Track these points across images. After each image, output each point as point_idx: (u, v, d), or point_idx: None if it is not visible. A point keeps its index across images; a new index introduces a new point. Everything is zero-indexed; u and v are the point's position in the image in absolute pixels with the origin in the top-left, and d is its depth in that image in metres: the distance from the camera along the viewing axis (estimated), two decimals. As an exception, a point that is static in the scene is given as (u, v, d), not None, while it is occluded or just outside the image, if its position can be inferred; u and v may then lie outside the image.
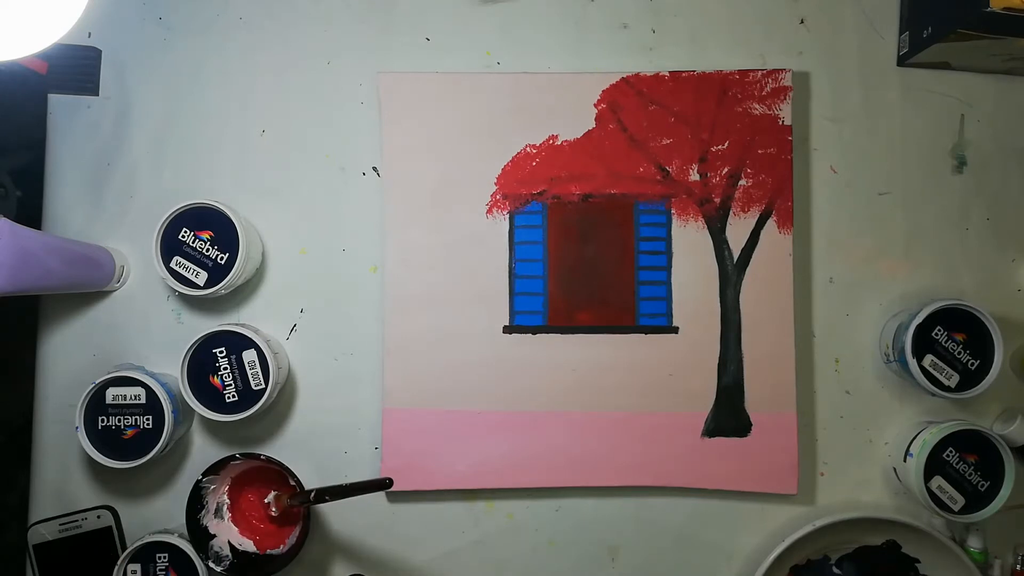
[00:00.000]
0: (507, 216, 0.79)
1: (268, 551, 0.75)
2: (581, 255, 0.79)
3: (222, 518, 0.75)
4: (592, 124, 0.80)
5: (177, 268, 0.75)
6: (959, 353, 0.75)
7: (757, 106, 0.79)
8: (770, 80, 0.79)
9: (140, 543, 0.74)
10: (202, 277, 0.75)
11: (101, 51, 0.81)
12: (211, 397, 0.74)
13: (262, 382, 0.74)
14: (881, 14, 0.82)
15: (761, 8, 0.82)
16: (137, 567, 0.74)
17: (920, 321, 0.74)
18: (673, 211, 0.79)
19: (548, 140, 0.80)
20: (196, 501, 0.73)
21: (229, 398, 0.74)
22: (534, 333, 0.79)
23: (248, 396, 0.74)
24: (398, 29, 0.82)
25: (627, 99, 0.80)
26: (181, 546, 0.74)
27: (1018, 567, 0.78)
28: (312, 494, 0.70)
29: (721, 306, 0.79)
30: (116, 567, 0.74)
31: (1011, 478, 0.74)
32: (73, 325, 0.80)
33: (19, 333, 0.81)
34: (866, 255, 0.81)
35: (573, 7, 0.82)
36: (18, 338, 0.81)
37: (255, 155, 0.81)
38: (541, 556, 0.80)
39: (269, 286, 0.81)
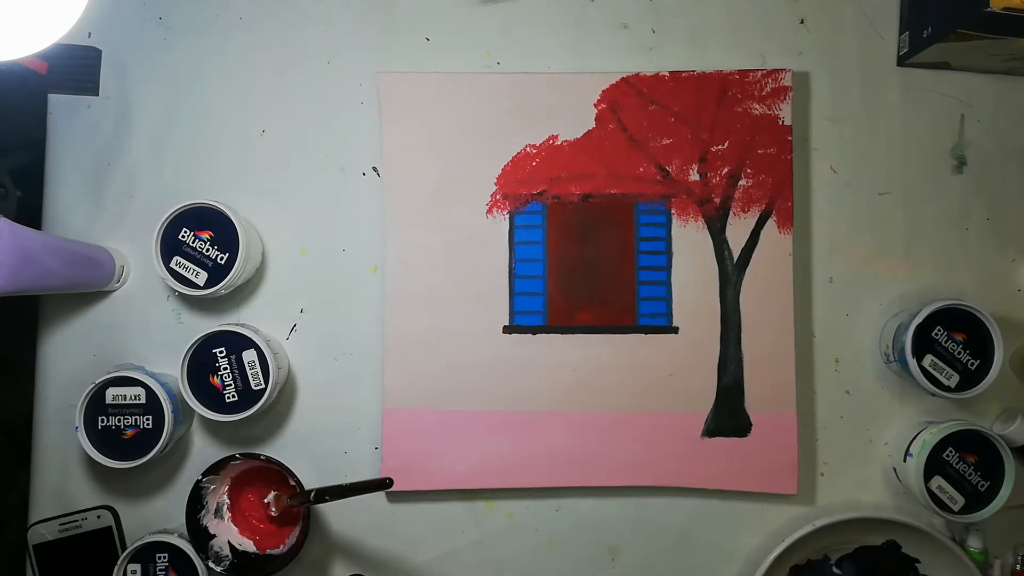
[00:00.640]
0: (507, 216, 0.79)
1: (268, 551, 0.75)
2: (581, 255, 0.79)
3: (222, 518, 0.75)
4: (592, 124, 0.80)
5: (177, 268, 0.75)
6: (959, 353, 0.75)
7: (757, 106, 0.79)
8: (770, 80, 0.79)
9: (140, 543, 0.74)
10: (202, 277, 0.75)
11: (101, 51, 0.81)
12: (211, 397, 0.74)
13: (262, 382, 0.74)
14: (881, 14, 0.82)
15: (761, 8, 0.82)
16: (137, 567, 0.74)
17: (920, 321, 0.74)
18: (673, 211, 0.79)
19: (548, 140, 0.80)
20: (196, 501, 0.73)
21: (229, 398, 0.74)
22: (534, 333, 0.79)
23: (248, 396, 0.74)
24: (398, 29, 0.82)
25: (627, 99, 0.80)
26: (181, 546, 0.74)
27: (1018, 567, 0.78)
28: (312, 494, 0.70)
29: (721, 306, 0.79)
30: (116, 567, 0.74)
31: (1011, 478, 0.74)
32: (73, 325, 0.80)
33: (19, 333, 0.81)
34: (866, 255, 0.81)
35: (573, 7, 0.82)
36: (18, 338, 0.81)
37: (255, 155, 0.81)
38: (541, 556, 0.80)
39: (269, 286, 0.81)
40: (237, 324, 0.75)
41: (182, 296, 0.77)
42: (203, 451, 0.80)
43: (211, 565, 0.73)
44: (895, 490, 0.80)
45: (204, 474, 0.73)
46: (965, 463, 0.75)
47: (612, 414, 0.78)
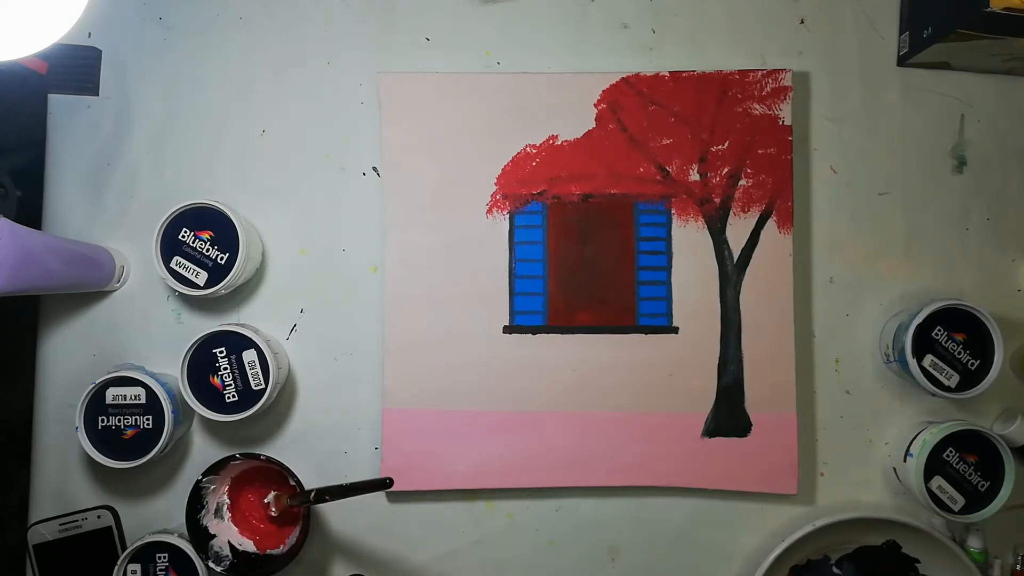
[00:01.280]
0: (507, 216, 0.79)
1: (268, 551, 0.75)
2: (581, 255, 0.79)
3: (222, 518, 0.75)
4: (592, 124, 0.80)
5: (177, 268, 0.75)
6: (959, 353, 0.75)
7: (757, 106, 0.79)
8: (770, 80, 0.79)
9: (140, 543, 0.74)
10: (202, 277, 0.75)
11: (101, 51, 0.81)
12: (211, 397, 0.74)
13: (262, 382, 0.74)
14: (881, 14, 0.82)
15: (761, 8, 0.82)
16: (137, 567, 0.74)
17: (920, 321, 0.74)
18: (673, 211, 0.79)
19: (548, 140, 0.80)
20: (196, 501, 0.73)
21: (229, 398, 0.74)
22: (534, 333, 0.79)
23: (248, 396, 0.74)
24: (398, 29, 0.82)
25: (627, 99, 0.80)
26: (181, 546, 0.74)
27: (1018, 567, 0.78)
28: (312, 494, 0.70)
29: (721, 306, 0.79)
30: (116, 567, 0.74)
31: (1011, 478, 0.74)
32: (73, 325, 0.80)
33: (19, 333, 0.81)
34: (866, 255, 0.81)
35: (573, 7, 0.82)
36: (18, 338, 0.81)
37: (255, 155, 0.81)
38: (541, 556, 0.80)
39: (269, 286, 0.81)
40: (237, 324, 0.75)
41: (182, 296, 0.77)
42: (203, 451, 0.80)
43: (211, 565, 0.73)
44: (895, 490, 0.80)
45: (204, 474, 0.73)
46: (965, 463, 0.75)
47: (612, 414, 0.78)
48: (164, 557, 0.74)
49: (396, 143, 0.80)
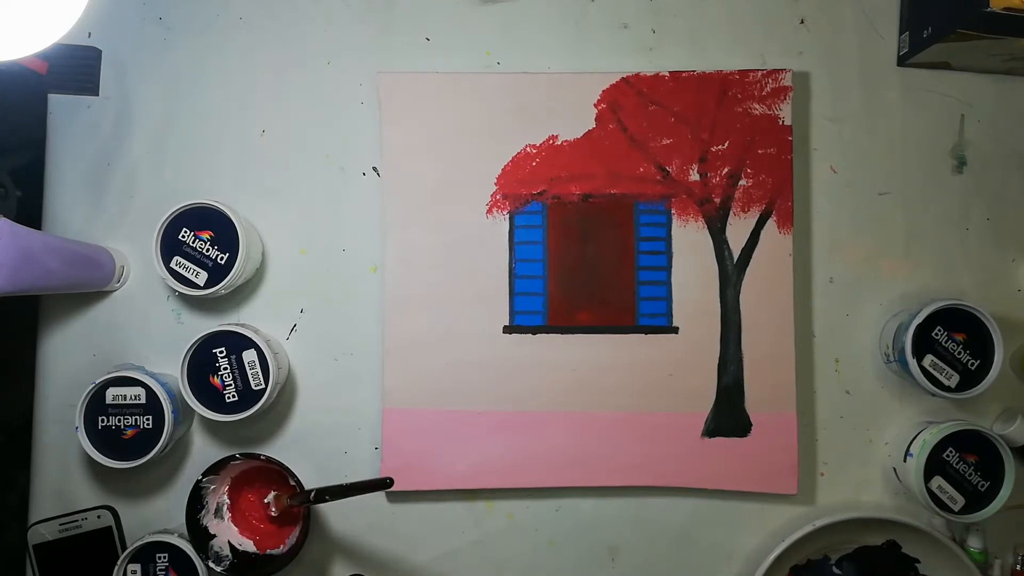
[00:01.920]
0: (507, 216, 0.79)
1: (268, 551, 0.75)
2: (581, 255, 0.79)
3: (222, 518, 0.75)
4: (592, 124, 0.80)
5: (177, 268, 0.75)
6: (959, 353, 0.75)
7: (757, 106, 0.79)
8: (770, 80, 0.79)
9: (140, 543, 0.74)
10: (202, 277, 0.75)
11: (101, 51, 0.81)
12: (211, 397, 0.74)
13: (262, 382, 0.74)
14: (881, 14, 0.82)
15: (761, 8, 0.82)
16: (137, 567, 0.74)
17: (920, 321, 0.74)
18: (673, 211, 0.79)
19: (548, 140, 0.80)
20: (196, 501, 0.73)
21: (229, 398, 0.74)
22: (534, 333, 0.79)
23: (248, 396, 0.74)
24: (398, 29, 0.82)
25: (627, 99, 0.80)
26: (181, 546, 0.74)
27: (1018, 567, 0.78)
28: (312, 494, 0.70)
29: (721, 306, 0.79)
30: (116, 567, 0.74)
31: (1011, 478, 0.74)
32: (73, 325, 0.80)
33: (19, 333, 0.81)
34: (866, 255, 0.81)
35: (573, 7, 0.82)
36: (18, 338, 0.81)
37: (255, 155, 0.81)
38: (541, 556, 0.80)
39: (269, 286, 0.81)
40: (237, 324, 0.75)
41: (182, 296, 0.77)
42: (203, 451, 0.80)
43: (211, 565, 0.73)
44: (895, 490, 0.80)
45: (204, 474, 0.73)
46: (965, 463, 0.75)
47: (612, 414, 0.78)
48: (164, 557, 0.74)
49: (396, 143, 0.80)
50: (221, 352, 0.74)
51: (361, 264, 0.81)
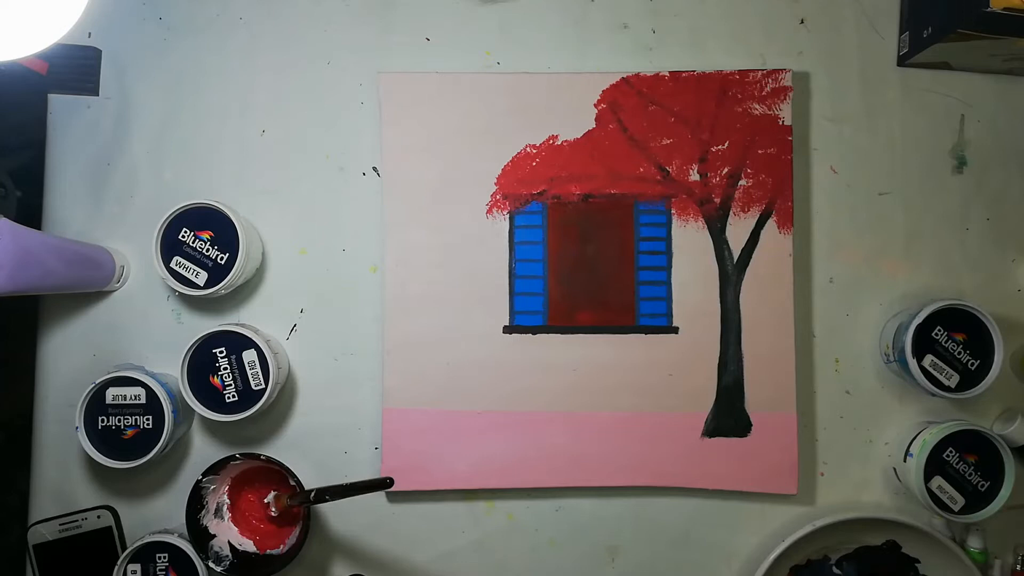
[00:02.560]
0: (507, 216, 0.79)
1: (268, 551, 0.75)
2: (581, 255, 0.79)
3: (222, 518, 0.75)
4: (592, 124, 0.80)
5: (177, 268, 0.75)
6: (959, 353, 0.75)
7: (757, 106, 0.79)
8: (770, 80, 0.79)
9: (140, 543, 0.74)
10: (202, 277, 0.75)
11: (101, 51, 0.81)
12: (211, 397, 0.74)
13: (262, 382, 0.74)
14: (881, 14, 0.82)
15: (761, 8, 0.82)
16: (137, 567, 0.74)
17: (920, 321, 0.74)
18: (673, 211, 0.79)
19: (548, 140, 0.80)
20: (196, 501, 0.73)
21: (229, 398, 0.74)
22: (534, 333, 0.79)
23: (248, 396, 0.74)
24: (398, 29, 0.82)
25: (627, 99, 0.80)
26: (181, 546, 0.74)
27: (1018, 567, 0.78)
28: (312, 494, 0.70)
29: (721, 306, 0.79)
30: (116, 567, 0.74)
31: (1011, 478, 0.74)
32: (73, 325, 0.80)
33: (19, 333, 0.81)
34: (866, 255, 0.81)
35: (573, 7, 0.82)
36: (18, 338, 0.81)
37: (255, 155, 0.81)
38: (541, 556, 0.80)
39: (269, 286, 0.81)
40: (237, 324, 0.75)
41: (182, 296, 0.77)
42: (203, 451, 0.80)
43: (211, 565, 0.73)
44: (895, 490, 0.80)
45: (204, 474, 0.73)
46: (965, 463, 0.75)
47: (612, 414, 0.78)
48: (164, 557, 0.74)
49: (396, 143, 0.80)
50: (221, 352, 0.74)
51: (361, 264, 0.81)
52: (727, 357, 0.79)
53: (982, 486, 0.75)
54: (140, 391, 0.73)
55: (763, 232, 0.79)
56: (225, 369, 0.74)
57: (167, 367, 0.79)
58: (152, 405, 0.73)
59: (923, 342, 0.75)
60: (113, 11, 0.81)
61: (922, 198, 0.81)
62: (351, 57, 0.82)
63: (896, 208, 0.81)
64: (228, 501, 0.76)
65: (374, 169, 0.81)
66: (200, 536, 0.73)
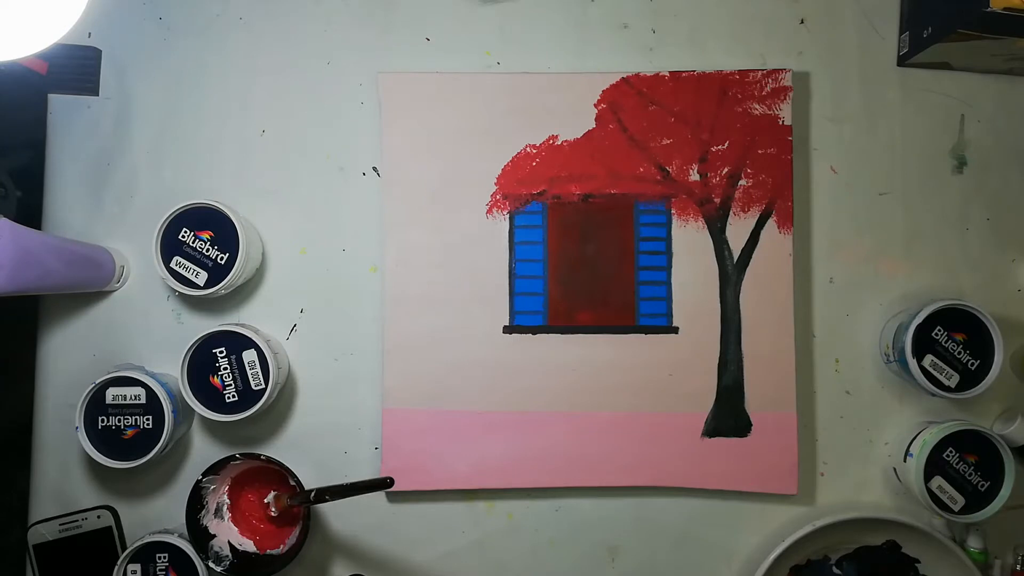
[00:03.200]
0: (507, 216, 0.79)
1: (268, 551, 0.75)
2: (581, 255, 0.79)
3: (222, 518, 0.75)
4: (592, 124, 0.80)
5: (177, 268, 0.75)
6: (959, 353, 0.75)
7: (757, 106, 0.79)
8: (770, 80, 0.79)
9: (140, 543, 0.74)
10: (202, 277, 0.75)
11: (101, 51, 0.81)
12: (211, 397, 0.74)
13: (262, 382, 0.74)
14: (881, 14, 0.82)
15: (761, 8, 0.82)
16: (137, 567, 0.74)
17: (920, 321, 0.74)
18: (673, 211, 0.79)
19: (548, 140, 0.80)
20: (196, 501, 0.73)
21: (229, 398, 0.74)
22: (534, 333, 0.79)
23: (248, 396, 0.74)
24: (398, 29, 0.82)
25: (627, 99, 0.80)
26: (181, 546, 0.74)
27: (1018, 567, 0.78)
28: (312, 494, 0.70)
29: (721, 306, 0.79)
30: (116, 567, 0.74)
31: (1011, 478, 0.74)
32: (73, 325, 0.80)
33: (19, 333, 0.81)
34: (866, 255, 0.81)
35: (573, 7, 0.82)
36: (18, 338, 0.81)
37: (255, 155, 0.81)
38: (541, 556, 0.80)
39: (269, 286, 0.81)
40: (237, 324, 0.75)
41: (182, 296, 0.77)
42: (203, 451, 0.80)
43: (211, 565, 0.73)
44: (895, 490, 0.80)
45: (204, 474, 0.73)
46: (965, 463, 0.75)
47: (612, 414, 0.78)
48: (164, 557, 0.74)
49: (396, 143, 0.80)
50: (221, 352, 0.74)
51: (361, 264, 0.81)
52: (727, 357, 0.79)
53: (982, 486, 0.75)
54: (140, 391, 0.73)
55: (763, 232, 0.79)
56: (225, 369, 0.74)
57: (167, 367, 0.79)
58: (152, 405, 0.73)
59: (923, 342, 0.75)
60: (113, 11, 0.81)
61: (922, 198, 0.81)
62: (351, 57, 0.82)
63: (896, 208, 0.81)
64: (228, 501, 0.76)
65: (374, 169, 0.81)
66: (200, 536, 0.73)
